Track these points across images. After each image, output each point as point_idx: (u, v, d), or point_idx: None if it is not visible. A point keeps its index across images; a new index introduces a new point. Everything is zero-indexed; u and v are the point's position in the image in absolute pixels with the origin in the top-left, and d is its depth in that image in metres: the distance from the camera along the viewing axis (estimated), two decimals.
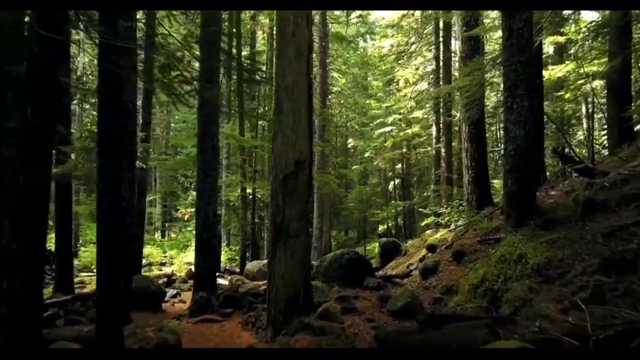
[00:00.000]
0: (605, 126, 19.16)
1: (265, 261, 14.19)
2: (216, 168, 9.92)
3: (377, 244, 29.61)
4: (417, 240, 11.53)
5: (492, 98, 20.71)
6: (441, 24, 19.31)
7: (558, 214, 4.93)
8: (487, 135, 12.13)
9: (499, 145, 28.89)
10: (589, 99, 18.70)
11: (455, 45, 21.61)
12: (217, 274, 16.68)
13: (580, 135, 20.36)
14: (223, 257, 18.59)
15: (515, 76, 5.10)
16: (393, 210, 24.85)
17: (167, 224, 27.96)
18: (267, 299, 5.91)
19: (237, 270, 17.93)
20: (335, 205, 33.10)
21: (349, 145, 32.78)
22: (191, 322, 8.89)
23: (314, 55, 22.18)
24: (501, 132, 29.17)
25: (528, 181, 5.20)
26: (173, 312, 10.72)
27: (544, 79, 11.81)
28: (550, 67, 14.44)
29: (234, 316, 8.78)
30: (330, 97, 23.61)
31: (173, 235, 28.38)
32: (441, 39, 19.13)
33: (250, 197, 15.75)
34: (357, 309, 6.16)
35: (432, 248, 9.52)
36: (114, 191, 5.54)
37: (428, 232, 13.37)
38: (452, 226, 10.17)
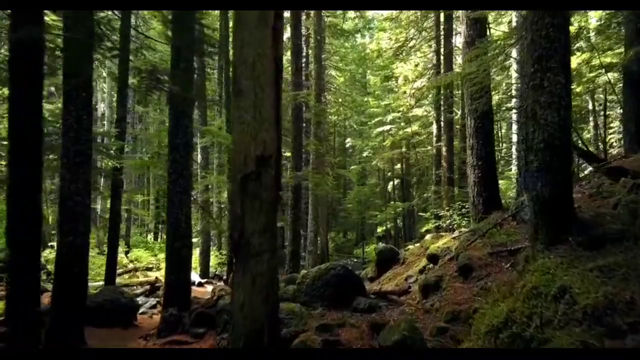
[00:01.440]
0: (613, 124, 17.83)
1: None
2: (189, 167, 8.62)
3: (375, 247, 28.33)
4: (417, 247, 10.20)
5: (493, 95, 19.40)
6: (442, 17, 18.02)
7: (606, 228, 3.61)
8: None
9: (500, 145, 27.49)
10: (596, 96, 17.36)
11: (456, 41, 20.31)
12: (196, 282, 15.42)
13: (586, 133, 18.99)
14: (212, 262, 17.30)
15: (547, 44, 3.76)
16: (392, 212, 23.52)
17: (160, 226, 26.63)
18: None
19: (225, 276, 16.66)
20: (333, 206, 31.78)
21: (348, 145, 31.46)
22: (157, 344, 7.62)
23: (310, 51, 20.90)
24: (502, 130, 27.80)
25: (565, 183, 3.84)
26: (147, 327, 9.44)
27: None
28: None
29: (207, 337, 7.48)
30: (326, 94, 22.27)
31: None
32: (442, 32, 17.82)
33: None
34: (341, 342, 4.84)
35: (433, 258, 8.20)
36: (26, 198, 4.25)
37: (428, 237, 12.06)
38: (456, 233, 8.85)
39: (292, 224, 12.68)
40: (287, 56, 15.37)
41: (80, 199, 6.93)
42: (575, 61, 13.19)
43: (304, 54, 22.54)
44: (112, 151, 10.75)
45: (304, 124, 13.49)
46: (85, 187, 7.06)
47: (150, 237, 26.69)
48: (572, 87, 14.12)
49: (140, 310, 11.63)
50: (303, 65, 20.64)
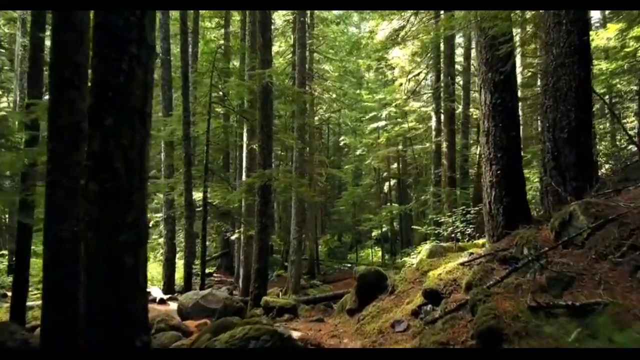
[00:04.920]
0: None
1: (205, 291, 9.99)
2: (78, 162, 5.75)
3: (370, 252, 25.31)
4: (411, 270, 7.26)
5: None
6: None
7: None
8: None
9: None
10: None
11: None
12: (157, 298, 12.57)
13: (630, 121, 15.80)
14: (177, 274, 14.39)
15: None
16: (388, 214, 20.55)
17: None
18: None
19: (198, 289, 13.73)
20: (327, 208, 28.82)
21: (342, 143, 28.46)
22: None
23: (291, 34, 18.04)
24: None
25: None
26: None
27: None
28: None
29: None
30: (315, 85, 19.37)
31: (149, 241, 24.16)
32: (442, 13, 14.88)
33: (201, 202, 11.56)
34: None
35: (432, 296, 5.28)
36: None
37: (424, 252, 9.18)
38: (465, 255, 5.89)
39: (258, 234, 9.78)
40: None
41: None
42: (607, 35, 10.27)
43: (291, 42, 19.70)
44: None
45: (273, 110, 10.57)
46: None
47: None
48: (602, 65, 11.14)
49: None
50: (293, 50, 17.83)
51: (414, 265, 7.39)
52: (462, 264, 5.58)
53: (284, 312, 8.02)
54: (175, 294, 13.62)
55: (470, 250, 5.90)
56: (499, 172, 5.82)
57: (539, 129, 17.50)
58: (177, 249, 14.89)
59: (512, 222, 5.69)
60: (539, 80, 16.21)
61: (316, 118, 22.37)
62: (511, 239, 5.53)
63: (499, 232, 5.74)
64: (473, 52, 18.42)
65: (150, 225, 20.05)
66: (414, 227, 12.55)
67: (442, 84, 14.84)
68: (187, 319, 9.07)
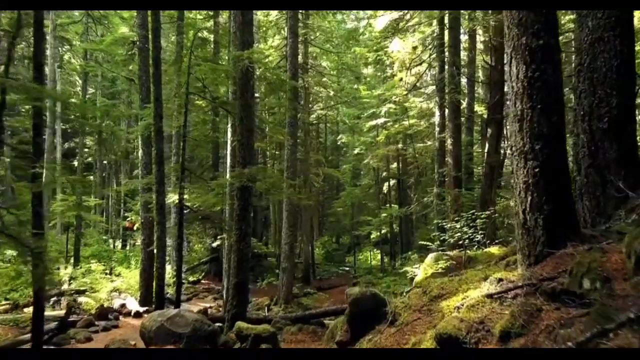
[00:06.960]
0: None
1: (173, 311, 8.37)
2: None
3: (369, 255, 23.62)
4: (417, 293, 5.64)
5: None
6: None
7: None
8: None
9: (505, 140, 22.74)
10: None
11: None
12: (132, 310, 11.03)
13: None
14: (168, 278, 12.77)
15: None
16: (388, 217, 18.92)
17: (127, 232, 22.06)
18: None
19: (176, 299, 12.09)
20: (324, 209, 27.19)
21: (340, 142, 26.81)
22: None
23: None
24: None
25: None
26: None
27: None
28: None
29: None
30: (309, 79, 17.76)
31: (138, 244, 22.55)
32: None
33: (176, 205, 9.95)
34: None
35: (450, 344, 3.65)
36: None
37: (428, 263, 7.72)
38: (492, 284, 4.23)
39: (236, 243, 8.18)
40: None
41: None
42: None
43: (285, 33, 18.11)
44: None
45: (255, 98, 8.94)
46: None
47: (118, 244, 22.20)
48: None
49: None
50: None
51: (420, 288, 5.77)
52: (490, 296, 3.97)
53: (261, 341, 6.42)
54: (153, 306, 12.04)
55: (498, 276, 4.27)
56: (537, 169, 4.20)
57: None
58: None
59: (555, 238, 4.08)
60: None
61: (313, 116, 20.80)
62: (557, 262, 3.92)
63: (538, 252, 4.13)
64: (478, 45, 16.87)
65: (135, 228, 18.54)
66: (422, 242, 10.83)
67: (447, 74, 13.23)
68: (150, 345, 7.47)
